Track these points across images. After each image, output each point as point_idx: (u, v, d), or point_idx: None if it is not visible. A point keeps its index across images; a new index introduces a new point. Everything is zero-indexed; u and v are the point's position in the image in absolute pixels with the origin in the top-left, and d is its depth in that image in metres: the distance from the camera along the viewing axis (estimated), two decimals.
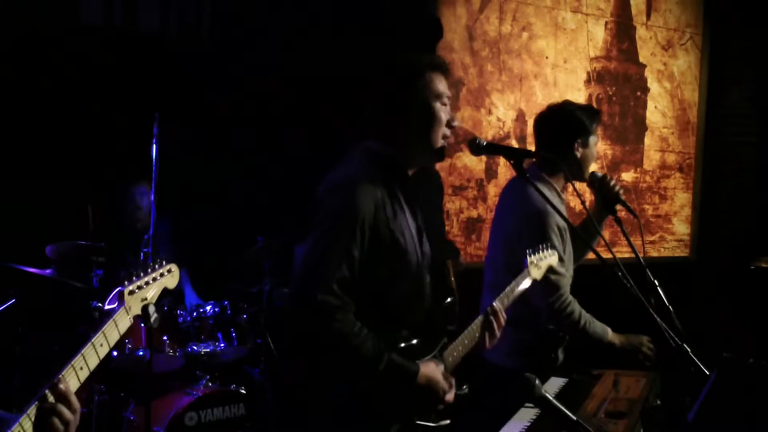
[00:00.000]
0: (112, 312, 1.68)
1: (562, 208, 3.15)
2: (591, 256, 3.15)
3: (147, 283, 1.78)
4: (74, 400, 1.55)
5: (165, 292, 1.87)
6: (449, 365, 2.27)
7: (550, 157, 2.95)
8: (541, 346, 3.03)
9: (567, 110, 3.09)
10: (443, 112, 2.23)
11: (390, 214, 2.13)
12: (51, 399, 1.52)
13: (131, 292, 1.73)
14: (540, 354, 3.02)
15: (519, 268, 2.95)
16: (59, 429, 1.52)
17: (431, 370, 2.16)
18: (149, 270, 1.81)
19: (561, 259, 2.95)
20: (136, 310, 1.74)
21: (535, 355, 3.03)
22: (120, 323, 1.68)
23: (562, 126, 3.07)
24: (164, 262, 1.87)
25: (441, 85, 2.24)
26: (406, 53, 2.28)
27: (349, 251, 2.04)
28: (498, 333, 2.38)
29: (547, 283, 2.90)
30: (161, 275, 1.84)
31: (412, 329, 2.21)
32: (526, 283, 2.57)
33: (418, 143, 2.24)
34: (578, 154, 3.05)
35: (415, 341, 2.20)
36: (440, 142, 2.24)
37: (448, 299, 2.35)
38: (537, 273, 2.63)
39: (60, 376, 1.54)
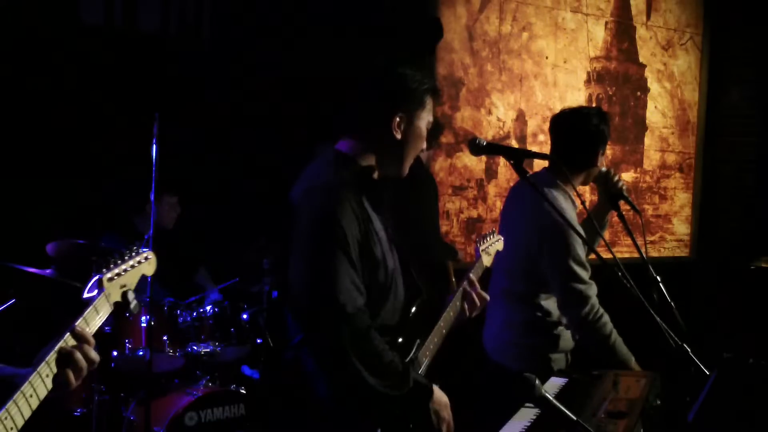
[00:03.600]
0: (91, 299, 1.69)
1: (574, 214, 3.15)
2: (591, 256, 3.15)
3: (125, 270, 1.78)
4: (92, 339, 1.62)
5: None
6: (424, 365, 2.30)
7: (561, 163, 2.95)
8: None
9: (591, 123, 3.03)
10: (425, 137, 2.26)
11: (367, 225, 2.14)
12: (71, 342, 1.59)
13: (110, 279, 1.73)
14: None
15: (539, 277, 2.96)
16: (83, 365, 1.58)
17: (442, 395, 2.22)
18: (126, 257, 1.81)
19: (585, 267, 2.93)
20: (116, 296, 1.74)
21: (543, 359, 3.02)
22: (101, 309, 1.69)
23: (588, 140, 3.03)
24: (141, 249, 1.87)
25: (431, 111, 2.26)
26: (412, 68, 2.24)
27: (353, 264, 2.05)
28: (479, 302, 2.41)
29: (575, 294, 2.88)
30: (139, 262, 1.83)
31: (391, 334, 2.22)
32: (480, 270, 2.60)
33: (393, 159, 2.24)
34: (599, 163, 3.05)
35: (395, 346, 2.21)
36: (410, 162, 2.28)
37: (418, 300, 2.36)
38: (488, 260, 2.66)
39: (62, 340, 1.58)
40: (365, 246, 2.11)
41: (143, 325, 3.87)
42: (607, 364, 2.87)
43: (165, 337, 4.01)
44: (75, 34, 4.47)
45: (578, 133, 3.04)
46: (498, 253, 2.75)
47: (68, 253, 3.90)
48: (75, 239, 3.93)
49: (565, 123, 3.09)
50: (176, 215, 4.64)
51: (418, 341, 2.30)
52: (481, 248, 2.63)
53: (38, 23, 4.38)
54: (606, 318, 2.92)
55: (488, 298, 2.45)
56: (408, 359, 2.23)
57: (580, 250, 2.91)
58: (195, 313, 4.11)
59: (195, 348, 4.04)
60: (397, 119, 2.18)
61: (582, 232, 2.75)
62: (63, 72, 4.38)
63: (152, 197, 3.90)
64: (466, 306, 2.41)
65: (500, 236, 2.76)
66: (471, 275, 2.47)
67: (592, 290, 2.93)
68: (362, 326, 2.03)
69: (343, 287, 2.01)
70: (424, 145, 2.29)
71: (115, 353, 3.86)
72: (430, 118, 2.26)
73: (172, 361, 4.05)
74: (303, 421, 2.18)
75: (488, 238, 2.70)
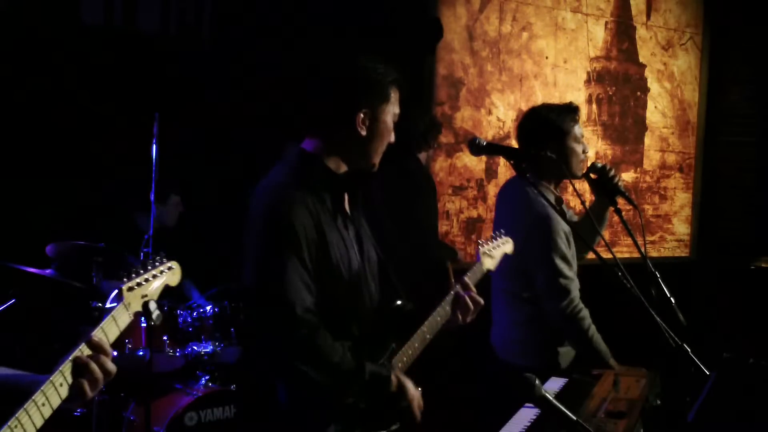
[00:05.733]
0: (111, 309, 1.66)
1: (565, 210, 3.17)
2: (591, 255, 3.15)
3: (147, 280, 1.74)
4: (110, 349, 1.60)
5: (168, 291, 1.85)
6: (400, 370, 2.20)
7: (549, 157, 2.94)
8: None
9: (532, 119, 3.09)
10: (392, 129, 2.19)
11: (323, 225, 2.08)
12: (87, 351, 1.56)
13: (130, 289, 1.70)
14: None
15: (528, 273, 2.96)
16: (98, 376, 1.55)
17: (402, 377, 2.14)
18: (149, 266, 1.77)
19: (568, 263, 2.95)
20: (137, 306, 1.71)
21: (551, 354, 3.03)
22: (119, 319, 1.66)
23: (533, 135, 3.06)
24: (165, 259, 1.83)
25: (397, 102, 2.19)
26: (373, 61, 2.18)
27: (304, 264, 2.01)
28: (472, 306, 2.30)
29: (557, 288, 2.90)
30: (162, 272, 1.80)
31: (357, 338, 2.15)
32: (479, 274, 2.49)
33: (359, 153, 2.18)
34: (553, 155, 3.01)
35: (360, 350, 2.13)
36: (380, 156, 2.21)
37: (397, 302, 2.29)
38: (490, 263, 2.56)
39: (86, 341, 1.57)
40: (321, 246, 2.06)
41: (143, 325, 3.87)
42: (587, 359, 2.91)
43: (165, 337, 4.01)
44: (75, 34, 4.47)
45: (524, 131, 3.11)
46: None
47: (68, 253, 3.90)
48: (75, 240, 3.94)
49: (520, 124, 3.18)
50: (179, 214, 4.68)
51: (393, 346, 2.22)
52: (481, 250, 2.53)
53: (38, 23, 4.38)
54: (585, 313, 2.94)
55: (482, 302, 2.34)
56: (380, 362, 2.15)
57: (563, 245, 2.92)
58: (195, 313, 4.12)
59: (195, 348, 4.04)
60: (361, 115, 2.11)
61: (565, 222, 2.76)
62: (63, 72, 4.38)
63: (152, 197, 3.91)
64: (458, 311, 2.30)
65: (508, 238, 2.68)
66: (466, 278, 2.37)
67: (574, 285, 2.95)
68: (309, 327, 1.98)
69: (291, 288, 1.97)
70: (392, 138, 2.20)
71: (115, 353, 3.84)
72: (397, 110, 2.18)
73: (172, 361, 4.05)
74: (266, 426, 2.16)
75: (492, 241, 2.61)
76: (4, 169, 4.14)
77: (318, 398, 2.07)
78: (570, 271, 2.95)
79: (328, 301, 2.08)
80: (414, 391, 2.15)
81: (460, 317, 2.31)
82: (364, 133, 2.13)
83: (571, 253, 3.00)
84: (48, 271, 3.83)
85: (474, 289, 2.35)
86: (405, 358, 2.22)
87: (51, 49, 4.38)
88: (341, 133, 2.15)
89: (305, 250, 2.02)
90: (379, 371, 2.09)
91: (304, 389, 2.06)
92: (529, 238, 2.91)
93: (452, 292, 2.32)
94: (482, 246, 2.56)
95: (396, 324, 2.26)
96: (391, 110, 2.17)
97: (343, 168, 2.19)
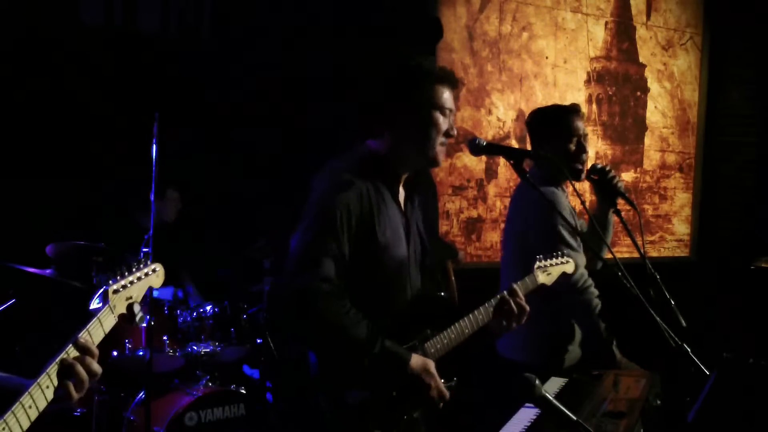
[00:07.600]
0: (96, 311, 1.68)
1: (567, 204, 3.19)
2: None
3: (132, 282, 1.76)
4: (96, 350, 1.61)
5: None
6: (431, 356, 2.28)
7: (547, 157, 2.96)
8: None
9: (534, 116, 3.19)
10: (443, 123, 2.27)
11: (374, 211, 2.20)
12: (73, 353, 1.58)
13: (116, 291, 1.72)
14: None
15: (534, 253, 2.97)
16: (84, 377, 1.57)
17: (425, 361, 2.21)
18: (134, 269, 1.80)
19: (573, 235, 2.97)
20: (121, 308, 1.73)
21: (551, 350, 3.04)
22: (105, 322, 1.68)
23: (533, 131, 3.18)
24: (149, 261, 1.86)
25: (446, 97, 2.27)
26: (416, 60, 2.29)
27: (334, 241, 2.11)
28: (517, 312, 2.38)
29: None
30: (146, 274, 1.82)
31: (393, 321, 2.25)
32: (530, 285, 2.56)
33: (413, 148, 2.29)
34: (552, 156, 3.02)
35: (393, 331, 2.22)
36: (436, 150, 2.29)
37: (441, 293, 2.38)
38: (546, 278, 2.64)
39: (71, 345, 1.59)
40: (367, 230, 2.18)
41: (143, 325, 3.87)
42: (589, 344, 2.95)
43: (165, 337, 4.01)
44: (75, 34, 4.47)
45: (528, 131, 3.23)
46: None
47: (68, 253, 3.91)
48: (75, 240, 3.94)
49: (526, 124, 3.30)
50: (177, 210, 4.69)
51: (428, 331, 2.31)
52: (537, 265, 2.61)
53: (38, 23, 4.38)
54: (594, 289, 2.96)
55: (527, 309, 2.41)
56: (409, 345, 2.24)
57: (565, 232, 2.96)
58: (195, 313, 4.12)
59: (195, 348, 4.04)
60: (401, 113, 2.24)
61: (570, 219, 2.79)
62: (63, 72, 4.38)
63: (152, 197, 3.90)
64: (503, 315, 2.39)
65: (569, 258, 2.74)
66: (515, 285, 2.44)
67: (581, 259, 2.97)
68: (324, 293, 2.06)
69: (313, 262, 2.07)
70: (453, 132, 2.28)
71: (115, 353, 3.86)
72: (445, 105, 2.26)
73: (172, 361, 4.05)
74: (312, 419, 2.19)
75: (552, 258, 2.67)
76: (4, 169, 4.14)
77: (338, 362, 2.15)
78: (575, 243, 2.97)
79: (370, 281, 2.20)
80: (436, 379, 2.21)
81: (504, 322, 2.40)
82: (407, 128, 2.25)
83: (576, 239, 3.01)
84: (48, 271, 3.83)
85: (522, 296, 2.43)
86: (439, 346, 2.31)
87: (51, 49, 4.38)
88: (390, 131, 2.27)
89: (345, 233, 2.12)
90: (396, 350, 2.16)
91: (321, 352, 2.16)
92: (530, 230, 2.96)
93: (498, 296, 2.42)
94: (539, 261, 2.63)
95: (436, 313, 2.35)
96: (432, 103, 2.25)
97: (406, 164, 2.32)
